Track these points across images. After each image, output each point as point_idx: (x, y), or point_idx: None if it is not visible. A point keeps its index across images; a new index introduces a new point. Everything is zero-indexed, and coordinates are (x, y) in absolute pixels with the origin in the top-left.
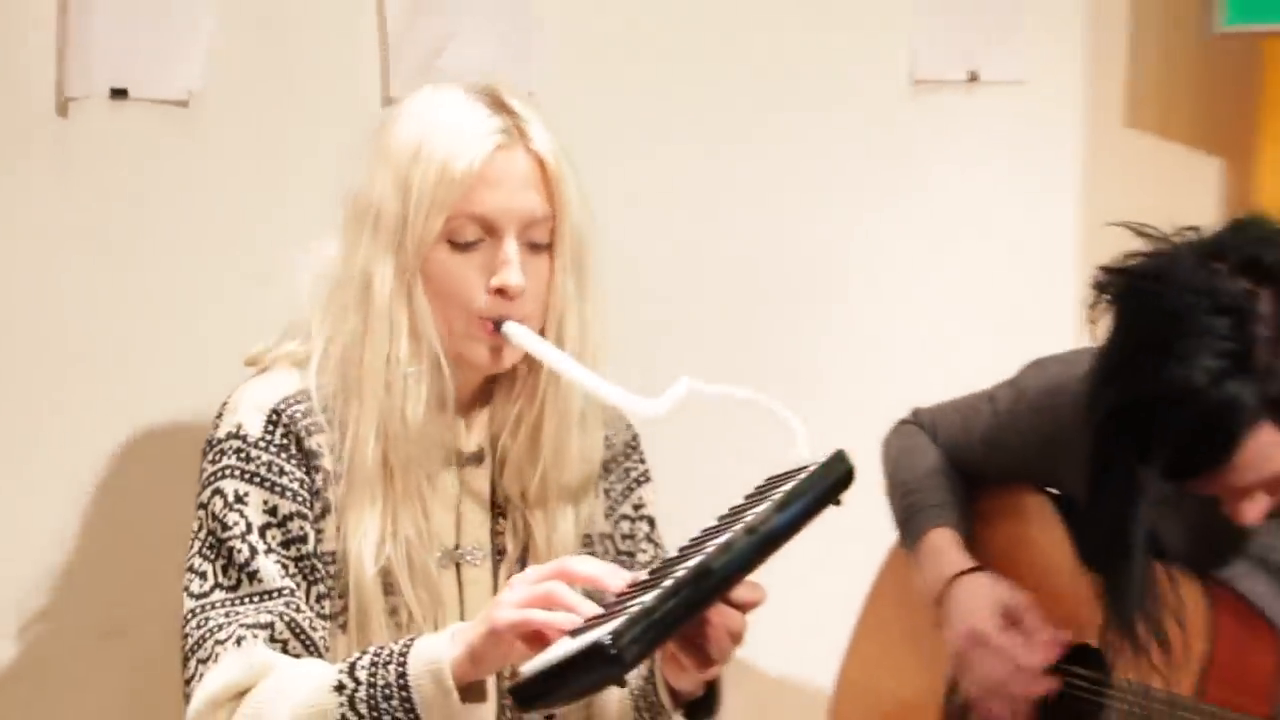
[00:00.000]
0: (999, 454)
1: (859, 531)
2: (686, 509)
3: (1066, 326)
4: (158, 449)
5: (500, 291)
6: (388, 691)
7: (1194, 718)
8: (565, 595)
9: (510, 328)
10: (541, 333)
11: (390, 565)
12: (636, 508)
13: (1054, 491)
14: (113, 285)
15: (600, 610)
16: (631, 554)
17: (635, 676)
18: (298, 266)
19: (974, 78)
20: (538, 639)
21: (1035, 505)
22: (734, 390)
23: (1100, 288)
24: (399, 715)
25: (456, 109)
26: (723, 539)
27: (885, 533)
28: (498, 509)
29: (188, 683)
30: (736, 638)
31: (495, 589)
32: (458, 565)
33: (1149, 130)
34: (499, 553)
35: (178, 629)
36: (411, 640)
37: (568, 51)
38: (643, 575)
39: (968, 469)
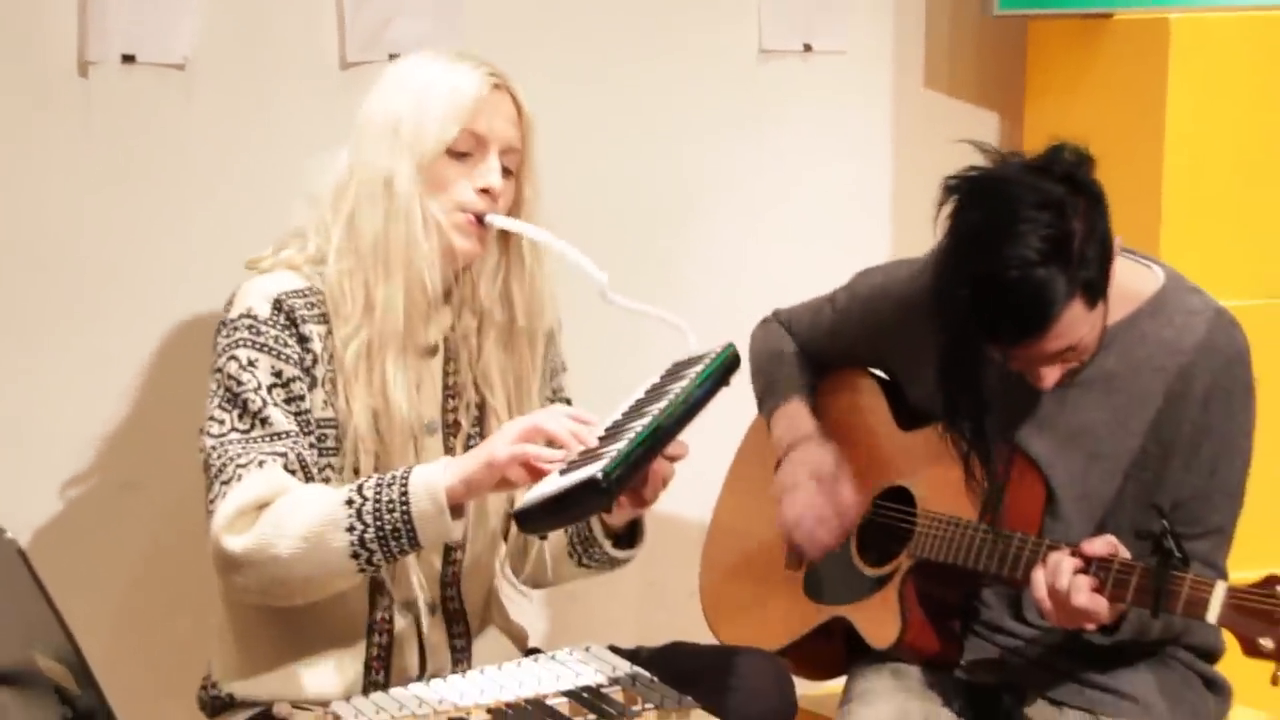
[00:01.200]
0: (838, 342)
1: (728, 403)
2: (598, 393)
3: (883, 244)
4: (168, 335)
5: (485, 191)
6: (390, 506)
7: (979, 535)
8: (554, 437)
9: (492, 217)
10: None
11: (378, 426)
12: (556, 391)
13: (878, 372)
14: (127, 212)
15: (575, 456)
16: None
17: None
18: (293, 186)
19: (808, 48)
20: (531, 473)
21: (864, 383)
22: (633, 304)
23: (948, 190)
24: (399, 526)
25: (455, 60)
26: (663, 405)
27: (748, 406)
28: (449, 390)
29: (212, 501)
30: (666, 483)
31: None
32: (415, 436)
33: (942, 91)
34: (449, 427)
35: (189, 483)
36: (410, 468)
37: (488, 25)
38: (600, 432)
39: (815, 355)
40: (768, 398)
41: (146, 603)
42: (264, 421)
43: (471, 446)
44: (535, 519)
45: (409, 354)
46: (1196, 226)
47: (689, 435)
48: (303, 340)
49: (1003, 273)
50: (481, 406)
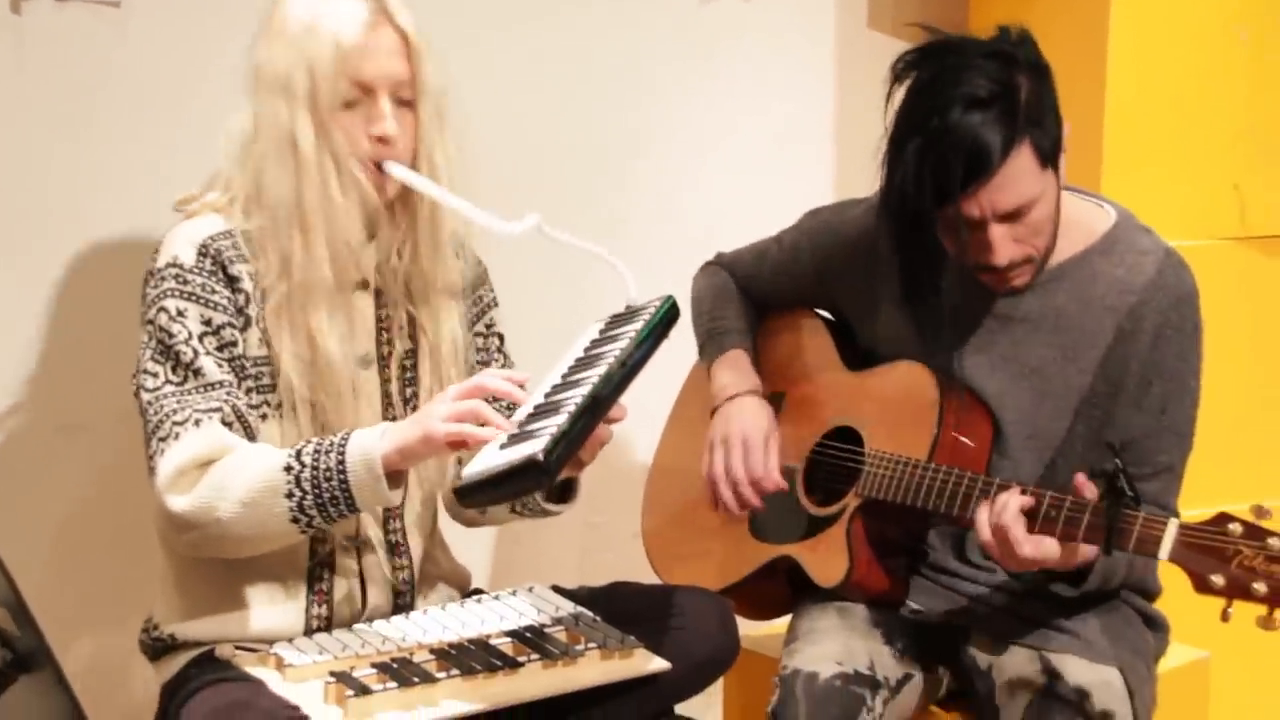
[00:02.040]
0: (783, 281)
1: (667, 348)
2: (530, 330)
3: (826, 185)
4: (104, 274)
5: (379, 139)
6: (328, 474)
7: (925, 474)
8: (491, 414)
9: (390, 166)
10: (415, 168)
11: (310, 370)
12: (489, 326)
13: (824, 313)
14: (62, 149)
15: (514, 428)
16: (486, 364)
17: None
18: (217, 133)
19: None
20: (462, 445)
21: (810, 323)
22: (574, 240)
23: (896, 70)
24: (336, 493)
25: None
26: (602, 372)
27: (691, 349)
28: (382, 324)
29: (151, 458)
30: (603, 444)
31: (382, 391)
32: (351, 375)
33: (885, 31)
34: (384, 359)
35: (127, 425)
36: (349, 434)
37: None
38: (539, 399)
39: (759, 298)
40: (709, 345)
41: (86, 546)
42: (197, 373)
43: (406, 369)
44: (474, 494)
45: (338, 295)
46: (1138, 166)
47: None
48: (232, 281)
49: (947, 114)
50: (413, 325)
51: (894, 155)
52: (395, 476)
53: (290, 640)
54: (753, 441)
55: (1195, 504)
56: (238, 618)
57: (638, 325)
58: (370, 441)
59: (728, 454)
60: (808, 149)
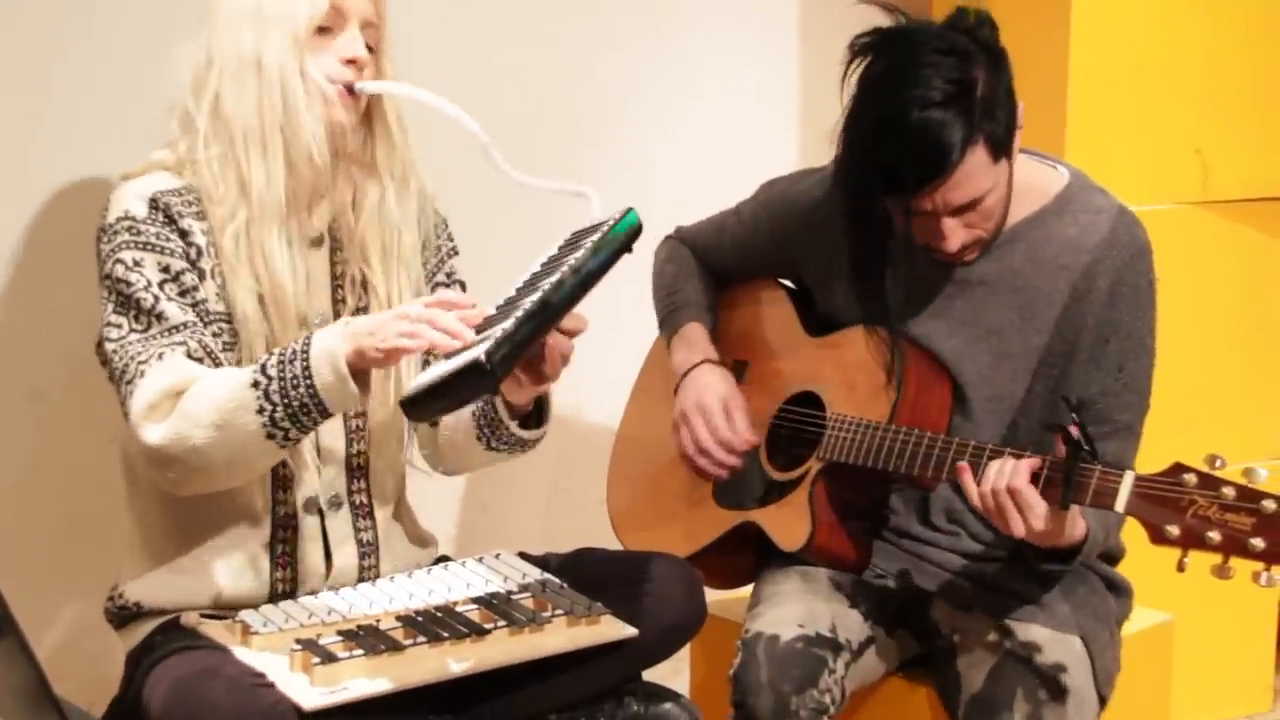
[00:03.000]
0: (743, 253)
1: (632, 319)
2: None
3: (791, 154)
4: (67, 240)
5: (350, 61)
6: (295, 382)
7: (887, 436)
8: (445, 319)
9: (362, 84)
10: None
11: (266, 311)
12: (449, 275)
13: (786, 282)
14: (22, 102)
15: (470, 335)
16: None
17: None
18: (159, 78)
19: None
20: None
21: (771, 293)
22: (542, 181)
23: (854, 50)
24: (305, 400)
25: None
26: (554, 278)
27: (652, 323)
28: (336, 281)
29: (124, 403)
30: (566, 359)
31: None
32: (307, 325)
33: None
34: (337, 315)
35: (94, 392)
36: (310, 337)
37: None
38: (490, 311)
39: (719, 270)
40: (667, 321)
41: (52, 514)
42: (159, 317)
43: None
44: (420, 405)
45: (294, 243)
46: (1101, 130)
47: (590, 311)
48: (184, 235)
49: (904, 114)
50: (365, 284)
51: (847, 145)
52: (362, 377)
53: (256, 608)
54: (711, 408)
55: (1153, 464)
56: (203, 584)
57: (595, 236)
58: (333, 342)
59: (691, 426)
60: (775, 114)
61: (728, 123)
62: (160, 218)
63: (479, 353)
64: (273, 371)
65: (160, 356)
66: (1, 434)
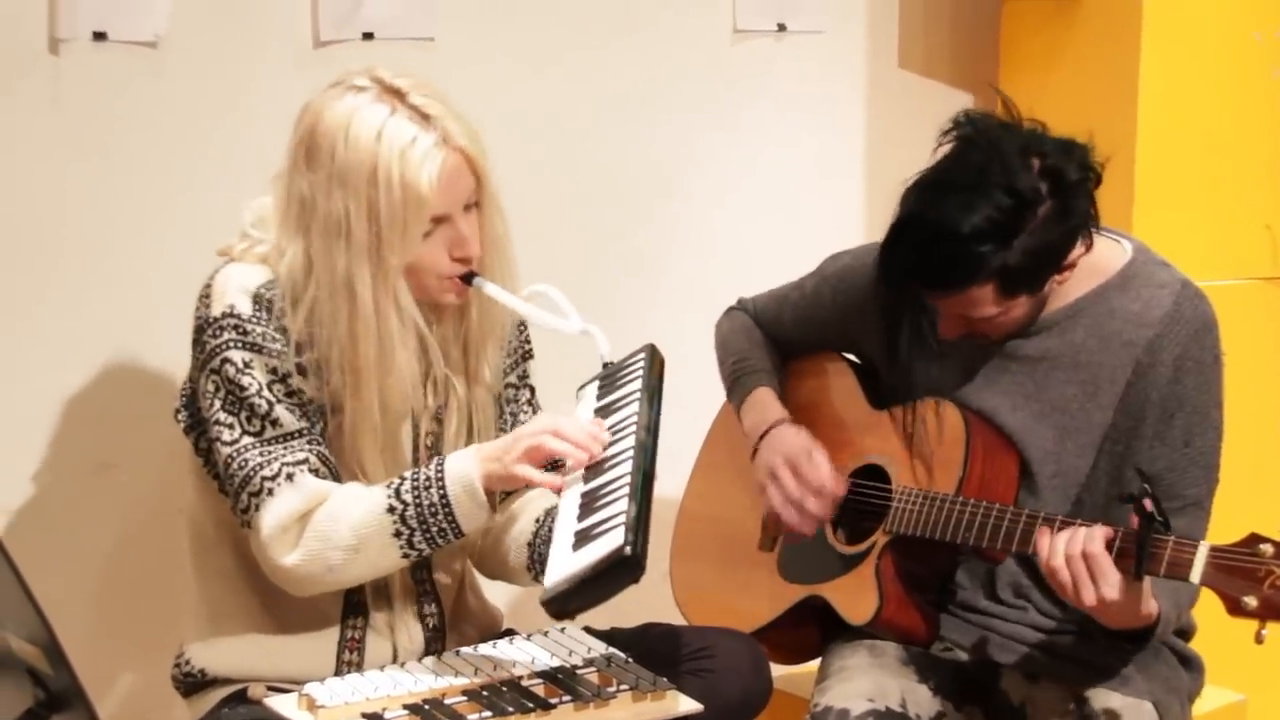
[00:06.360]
0: (806, 328)
1: (693, 395)
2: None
3: (855, 227)
4: (141, 316)
5: (463, 259)
6: (433, 509)
7: (955, 508)
8: (560, 447)
9: (477, 281)
10: (485, 264)
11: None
12: (521, 377)
13: (849, 357)
14: (99, 192)
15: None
16: (515, 415)
17: (528, 532)
18: (264, 165)
19: (782, 28)
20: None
21: (834, 366)
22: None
23: (952, 123)
24: (444, 526)
25: (388, 130)
26: (632, 443)
27: (714, 395)
28: (425, 383)
29: (244, 512)
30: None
31: (411, 443)
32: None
33: (916, 71)
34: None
35: (163, 464)
36: (441, 465)
37: (461, 4)
38: (577, 493)
39: (782, 343)
40: (736, 387)
41: (120, 583)
42: (274, 423)
43: (438, 422)
44: (566, 603)
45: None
46: (1169, 206)
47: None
48: (285, 332)
49: (935, 225)
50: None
51: (892, 224)
52: (490, 498)
53: (322, 681)
54: (797, 459)
55: (1222, 539)
56: (270, 656)
57: (636, 384)
58: (468, 468)
59: (779, 483)
60: (838, 187)
61: (791, 195)
62: (265, 314)
63: (620, 543)
64: (408, 497)
65: (290, 477)
66: (71, 506)
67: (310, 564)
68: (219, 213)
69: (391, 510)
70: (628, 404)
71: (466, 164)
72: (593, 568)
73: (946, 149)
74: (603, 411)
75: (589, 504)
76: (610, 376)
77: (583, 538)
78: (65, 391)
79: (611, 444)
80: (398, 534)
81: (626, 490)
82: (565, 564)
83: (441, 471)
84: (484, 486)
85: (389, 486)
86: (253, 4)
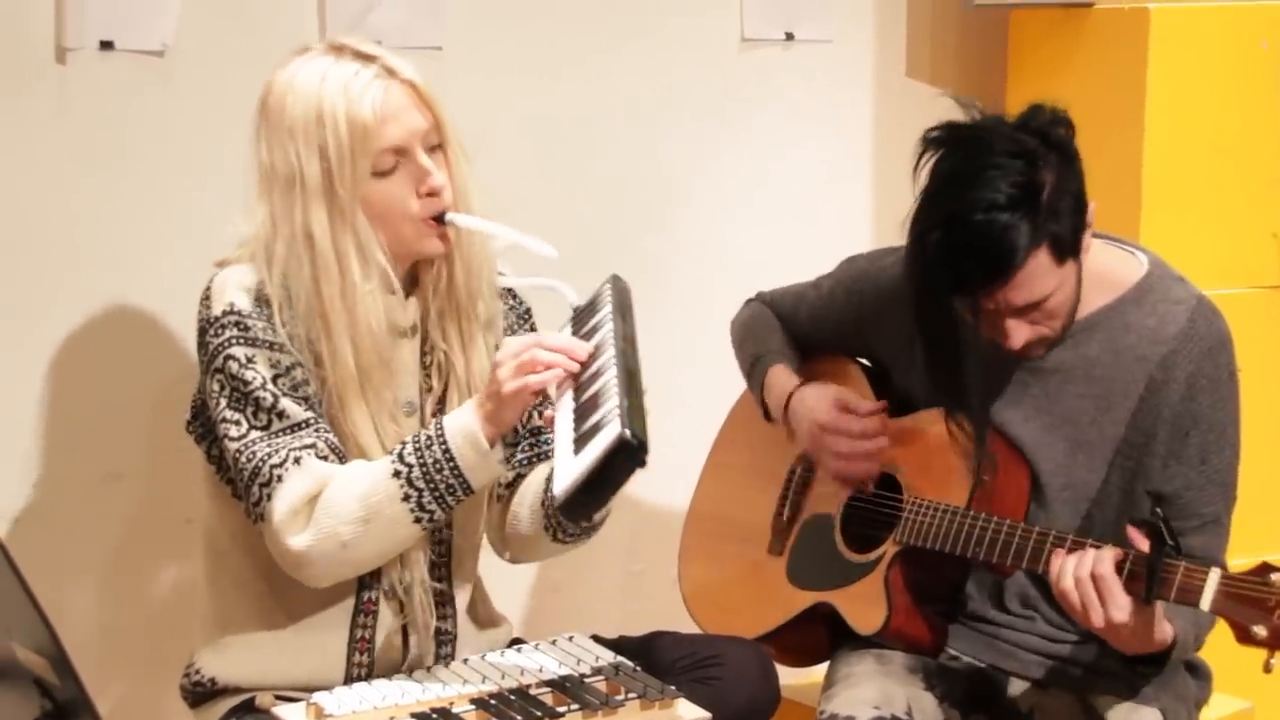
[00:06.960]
0: (820, 329)
1: (700, 399)
2: None
3: (862, 235)
4: (148, 324)
5: (431, 193)
6: (438, 465)
7: (965, 521)
8: (544, 356)
9: (451, 216)
10: (456, 208)
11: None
12: None
13: (861, 360)
14: (106, 199)
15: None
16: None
17: (537, 497)
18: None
19: (790, 36)
20: (538, 395)
21: (848, 369)
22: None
23: (925, 142)
24: (451, 482)
25: (330, 72)
26: (610, 353)
27: (727, 394)
28: (425, 370)
29: (256, 504)
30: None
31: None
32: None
33: (923, 80)
34: (422, 409)
35: (170, 473)
36: (440, 422)
37: (468, 12)
38: (569, 408)
39: (798, 337)
40: (754, 370)
41: (126, 594)
42: (280, 415)
43: (440, 408)
44: (579, 503)
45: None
46: (1176, 215)
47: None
48: (284, 324)
49: (969, 215)
50: (448, 362)
51: (914, 240)
52: (498, 450)
53: (330, 690)
54: (826, 418)
55: (1238, 555)
56: (279, 664)
57: (606, 309)
58: (466, 420)
59: (821, 445)
60: (845, 195)
61: (799, 203)
62: (264, 309)
63: (621, 431)
64: (412, 459)
65: (297, 461)
66: (78, 515)
67: (323, 543)
68: (227, 221)
69: (397, 475)
70: (602, 325)
71: (417, 98)
72: (597, 461)
73: (931, 163)
74: (580, 338)
75: (582, 414)
76: (580, 314)
77: (582, 441)
78: (73, 400)
79: (593, 358)
80: (406, 497)
81: (616, 390)
82: (571, 468)
83: (441, 427)
84: (487, 434)
85: (392, 452)
86: (260, 13)
